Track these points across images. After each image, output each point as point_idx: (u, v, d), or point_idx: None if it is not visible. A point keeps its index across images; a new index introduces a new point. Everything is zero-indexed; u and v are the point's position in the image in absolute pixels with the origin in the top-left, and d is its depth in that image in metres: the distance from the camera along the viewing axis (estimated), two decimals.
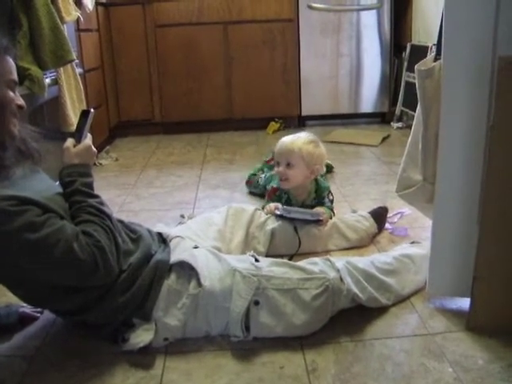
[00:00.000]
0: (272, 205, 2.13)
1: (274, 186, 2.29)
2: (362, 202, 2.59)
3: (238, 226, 1.99)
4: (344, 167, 3.19)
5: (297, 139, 2.22)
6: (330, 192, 2.27)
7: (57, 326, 1.63)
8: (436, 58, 1.58)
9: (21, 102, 1.39)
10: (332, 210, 2.23)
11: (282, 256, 1.96)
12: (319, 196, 2.25)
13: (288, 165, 2.18)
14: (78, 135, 1.52)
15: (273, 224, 2.03)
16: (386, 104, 4.41)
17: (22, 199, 1.28)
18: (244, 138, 4.11)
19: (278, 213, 2.06)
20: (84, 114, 1.57)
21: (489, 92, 1.45)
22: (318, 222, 2.07)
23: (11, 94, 1.36)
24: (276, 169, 2.24)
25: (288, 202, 2.23)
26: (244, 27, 4.14)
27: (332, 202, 2.26)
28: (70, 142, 1.51)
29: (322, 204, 2.23)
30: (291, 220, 2.05)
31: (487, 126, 1.46)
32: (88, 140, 1.53)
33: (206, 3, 4.07)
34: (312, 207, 2.21)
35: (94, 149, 1.55)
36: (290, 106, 4.33)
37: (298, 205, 2.22)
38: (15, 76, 1.38)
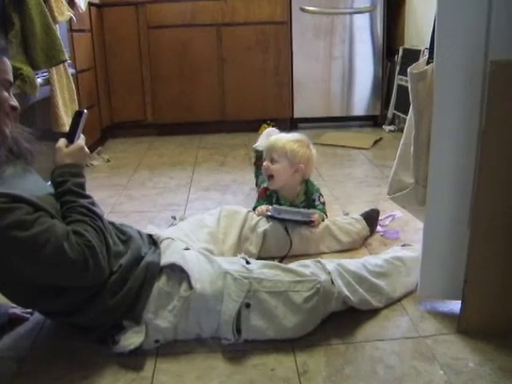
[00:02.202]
0: (263, 207, 2.13)
1: (265, 185, 2.29)
2: (354, 204, 2.59)
3: (230, 227, 1.99)
4: (336, 170, 3.20)
5: (283, 137, 2.24)
6: (320, 194, 2.27)
7: (47, 328, 1.62)
8: (428, 62, 1.59)
9: (14, 103, 1.38)
10: (325, 213, 2.23)
11: (273, 258, 1.96)
12: (308, 198, 2.25)
13: (272, 160, 2.19)
14: (70, 136, 1.52)
15: (264, 225, 2.03)
16: (378, 107, 4.42)
17: (13, 197, 1.28)
18: (236, 140, 4.11)
19: (269, 213, 2.06)
20: (77, 115, 1.57)
21: (481, 96, 1.45)
22: (309, 223, 2.07)
23: (5, 94, 1.35)
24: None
25: (278, 203, 2.23)
26: (237, 29, 4.14)
27: (324, 204, 2.26)
28: (62, 142, 1.50)
29: (313, 207, 2.23)
30: (282, 221, 2.05)
31: (479, 130, 1.46)
32: (81, 140, 1.53)
33: (200, 5, 4.06)
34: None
35: (87, 149, 1.55)
36: (283, 109, 4.34)
37: (288, 206, 2.22)
38: (11, 77, 1.38)
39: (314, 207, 2.22)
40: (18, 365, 1.45)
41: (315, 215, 2.10)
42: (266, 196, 2.27)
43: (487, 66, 1.41)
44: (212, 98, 4.27)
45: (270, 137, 2.29)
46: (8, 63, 1.37)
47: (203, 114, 4.30)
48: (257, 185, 2.70)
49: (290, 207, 2.16)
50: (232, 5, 4.08)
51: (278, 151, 2.17)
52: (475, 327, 1.53)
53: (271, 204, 2.18)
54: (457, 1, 1.42)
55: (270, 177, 2.19)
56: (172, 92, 4.23)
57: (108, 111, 4.15)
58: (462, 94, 1.47)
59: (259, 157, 2.64)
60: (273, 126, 4.24)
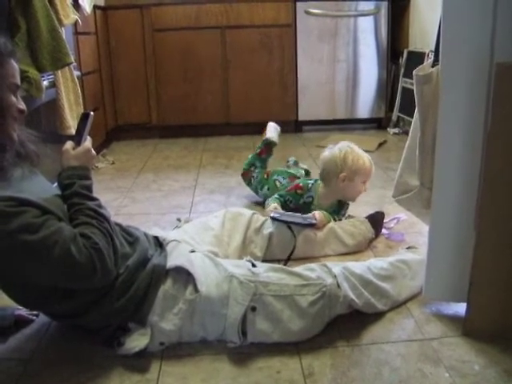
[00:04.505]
0: (271, 206, 2.15)
1: (301, 184, 2.33)
2: (359, 206, 2.58)
3: (235, 230, 1.99)
4: None
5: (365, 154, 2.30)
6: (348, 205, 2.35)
7: (52, 329, 1.63)
8: (434, 64, 1.59)
9: (22, 106, 1.39)
10: (339, 219, 2.29)
11: (278, 261, 1.96)
12: (341, 207, 2.32)
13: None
14: (77, 138, 1.52)
15: (270, 228, 2.03)
16: (383, 109, 4.42)
17: (21, 200, 1.28)
18: (240, 143, 4.11)
19: (272, 215, 2.07)
20: (84, 117, 1.57)
21: (486, 98, 1.45)
22: (311, 226, 2.08)
23: (13, 98, 1.35)
24: (360, 186, 2.29)
25: (308, 203, 2.29)
26: (241, 32, 4.15)
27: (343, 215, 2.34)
28: (69, 144, 1.50)
29: (338, 215, 2.29)
30: (285, 222, 2.05)
31: (484, 132, 1.46)
32: (88, 143, 1.53)
33: (204, 8, 4.08)
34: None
35: (94, 152, 1.55)
36: (287, 111, 4.34)
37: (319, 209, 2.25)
38: (18, 80, 1.38)
39: (340, 215, 2.30)
40: (23, 366, 1.45)
41: (317, 216, 2.11)
42: (298, 195, 2.31)
43: (493, 68, 1.41)
44: (216, 100, 4.27)
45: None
46: (16, 66, 1.37)
47: (208, 117, 4.31)
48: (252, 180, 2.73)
49: (293, 213, 2.17)
50: (236, 8, 4.09)
51: None
52: (480, 330, 1.53)
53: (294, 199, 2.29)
54: (462, 3, 1.42)
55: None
56: (177, 94, 4.24)
57: (113, 113, 4.16)
58: (468, 97, 1.47)
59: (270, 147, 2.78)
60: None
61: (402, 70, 4.14)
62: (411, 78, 1.63)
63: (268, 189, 2.56)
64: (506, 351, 1.46)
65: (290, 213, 2.15)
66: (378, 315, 1.65)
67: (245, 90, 4.26)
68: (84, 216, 1.39)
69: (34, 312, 1.67)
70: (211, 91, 4.25)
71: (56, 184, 1.49)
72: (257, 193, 2.68)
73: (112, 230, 1.41)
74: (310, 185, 2.33)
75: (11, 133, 1.36)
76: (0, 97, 1.31)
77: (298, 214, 2.14)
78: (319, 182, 2.34)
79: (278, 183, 2.55)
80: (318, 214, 2.12)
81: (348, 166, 2.23)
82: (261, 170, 2.69)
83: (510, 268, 1.49)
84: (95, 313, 1.44)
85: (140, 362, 1.45)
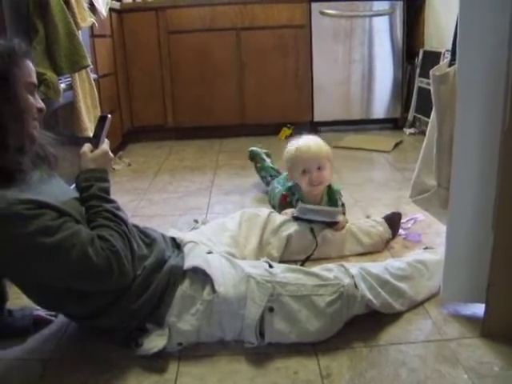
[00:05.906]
0: (288, 211, 2.14)
1: (284, 192, 2.29)
2: (375, 207, 2.58)
3: (251, 231, 1.99)
4: (356, 173, 3.19)
5: (314, 142, 2.24)
6: (341, 195, 2.28)
7: (71, 330, 1.64)
8: (451, 64, 1.58)
9: (41, 104, 1.40)
10: (344, 213, 2.24)
11: (295, 261, 1.96)
12: (332, 199, 2.25)
13: (319, 168, 2.18)
14: (95, 140, 1.53)
15: (289, 229, 2.03)
16: (399, 110, 4.40)
17: (39, 203, 1.29)
18: (256, 144, 4.10)
19: (295, 214, 2.06)
20: (101, 120, 1.58)
21: (504, 97, 1.44)
22: (334, 225, 2.07)
23: (31, 99, 1.37)
24: (303, 177, 2.19)
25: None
26: (257, 33, 4.15)
27: (343, 205, 2.27)
28: (87, 146, 1.51)
29: (337, 205, 2.24)
30: (308, 222, 2.05)
31: (502, 131, 1.45)
32: (105, 145, 1.54)
33: (219, 10, 4.09)
34: None
35: (111, 154, 1.56)
36: (302, 112, 4.34)
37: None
38: (34, 79, 1.39)
39: (336, 204, 2.24)
40: (42, 367, 1.47)
41: (340, 216, 2.10)
42: (287, 203, 2.26)
43: (510, 67, 1.40)
44: (232, 101, 4.28)
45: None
46: (31, 66, 1.38)
47: (223, 118, 4.31)
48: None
49: (316, 205, 2.15)
50: (251, 9, 4.09)
51: (324, 157, 2.20)
52: (499, 331, 1.52)
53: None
54: (479, 2, 1.41)
55: (320, 183, 2.20)
56: (192, 96, 4.25)
57: (129, 116, 4.18)
58: (485, 96, 1.46)
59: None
60: (292, 130, 4.27)
61: (418, 70, 4.12)
62: (427, 77, 1.63)
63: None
64: None
65: (313, 206, 2.11)
66: (395, 316, 1.64)
67: (260, 91, 4.27)
68: (102, 218, 1.40)
69: (53, 313, 1.68)
70: (226, 93, 4.26)
71: (74, 186, 1.50)
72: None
73: (129, 233, 1.42)
74: (291, 188, 2.28)
75: (32, 131, 1.37)
76: (19, 98, 1.33)
77: (321, 207, 2.14)
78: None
79: (276, 190, 2.49)
80: (338, 212, 2.12)
81: (288, 162, 2.24)
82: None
83: None
84: (113, 314, 1.45)
85: (158, 362, 1.46)
